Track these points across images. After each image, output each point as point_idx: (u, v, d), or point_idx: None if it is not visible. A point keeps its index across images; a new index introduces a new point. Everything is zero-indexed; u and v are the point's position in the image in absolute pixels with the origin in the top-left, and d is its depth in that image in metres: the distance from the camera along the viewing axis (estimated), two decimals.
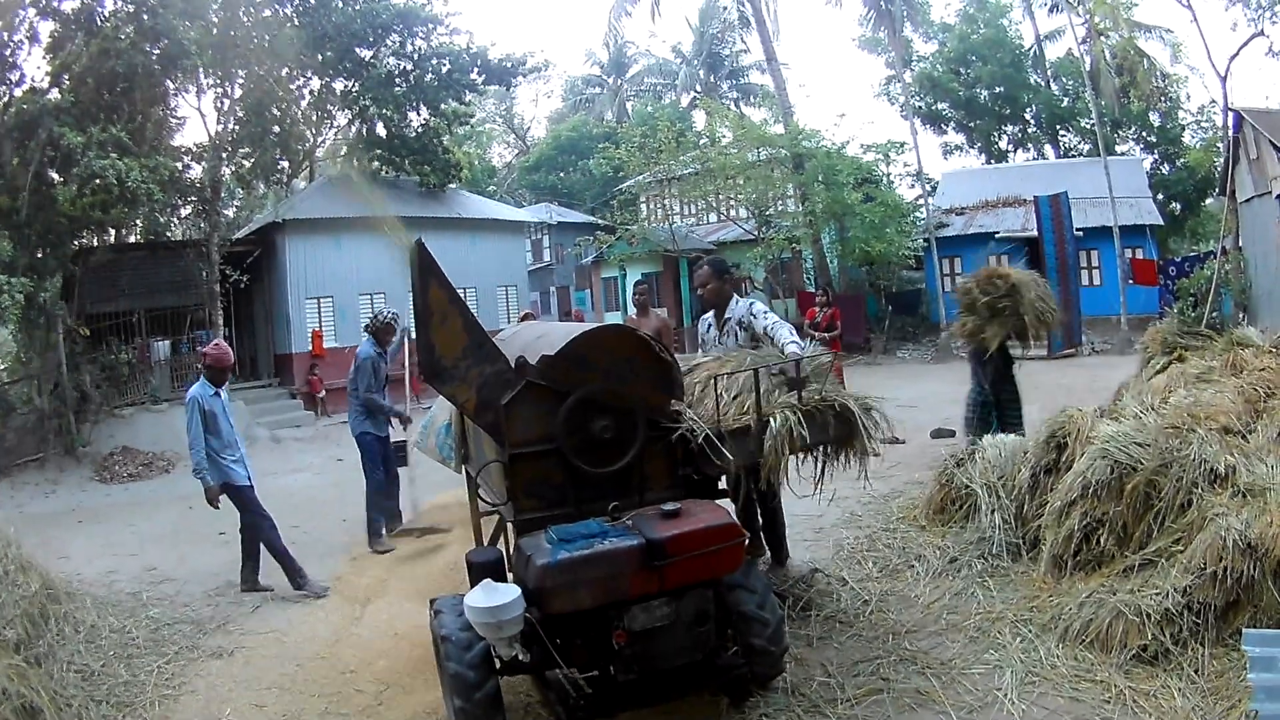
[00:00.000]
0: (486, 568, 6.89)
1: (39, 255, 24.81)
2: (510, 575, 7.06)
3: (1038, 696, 7.35)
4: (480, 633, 6.43)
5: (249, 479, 12.38)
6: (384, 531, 13.89)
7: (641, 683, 6.79)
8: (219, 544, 14.01)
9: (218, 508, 12.12)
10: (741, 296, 10.74)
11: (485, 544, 9.31)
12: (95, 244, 30.56)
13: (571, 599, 6.33)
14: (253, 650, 10.03)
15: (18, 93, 24.54)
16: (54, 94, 24.69)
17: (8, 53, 24.57)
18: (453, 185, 38.75)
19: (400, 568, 12.50)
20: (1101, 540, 8.76)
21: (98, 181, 23.03)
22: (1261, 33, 32.16)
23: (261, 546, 12.39)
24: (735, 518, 7.33)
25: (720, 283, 10.63)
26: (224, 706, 8.52)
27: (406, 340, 14.62)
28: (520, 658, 6.57)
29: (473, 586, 6.59)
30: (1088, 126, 48.26)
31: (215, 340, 14.09)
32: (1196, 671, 7.17)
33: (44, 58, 25.47)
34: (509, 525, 8.29)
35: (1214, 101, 43.54)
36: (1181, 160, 48.69)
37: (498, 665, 6.75)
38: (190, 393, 12.29)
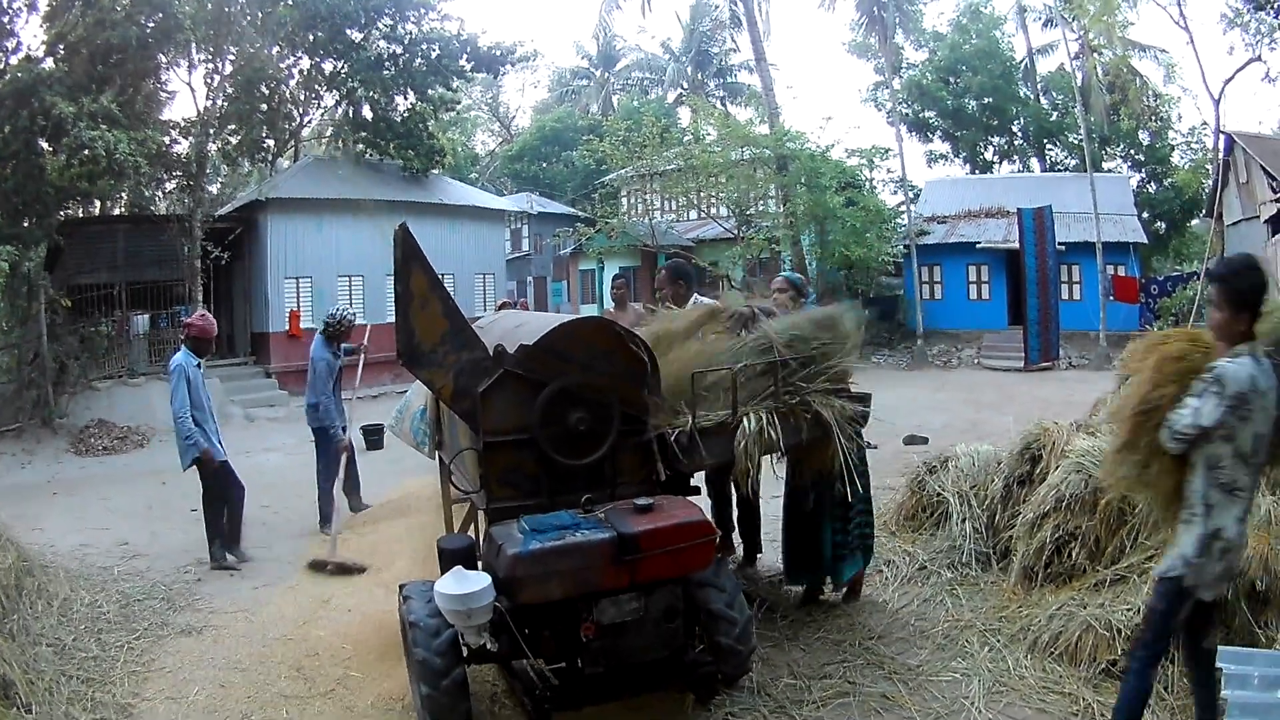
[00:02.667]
0: (458, 555, 6.88)
1: (25, 224, 24.74)
2: (480, 563, 7.04)
3: (1004, 706, 7.36)
4: (449, 620, 6.44)
5: (224, 452, 12.53)
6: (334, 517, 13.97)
7: (608, 676, 6.81)
8: (191, 520, 13.97)
9: (218, 469, 12.29)
10: (713, 295, 10.78)
11: (455, 531, 9.33)
12: (81, 215, 30.53)
13: (541, 590, 6.34)
14: (221, 629, 10.00)
15: (13, 61, 24.48)
16: (48, 63, 24.65)
17: (5, 20, 24.50)
18: (435, 171, 38.74)
19: (371, 550, 12.50)
20: (1073, 553, 8.77)
21: (86, 152, 23.01)
22: (1258, 58, 32.26)
23: (226, 521, 12.61)
24: (708, 515, 7.35)
25: (676, 286, 10.86)
26: (191, 685, 8.49)
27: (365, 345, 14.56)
28: (488, 646, 6.58)
29: (443, 573, 6.59)
30: (1075, 142, 48.38)
31: (200, 311, 14.10)
32: (1165, 689, 7.17)
33: (41, 26, 25.42)
34: (480, 513, 8.29)
35: (1205, 123, 43.83)
36: (1169, 180, 48.82)
37: (465, 653, 6.77)
38: (175, 361, 12.24)
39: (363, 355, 14.35)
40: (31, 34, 44.98)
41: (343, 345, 14.24)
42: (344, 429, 14.04)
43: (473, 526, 9.37)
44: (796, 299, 10.01)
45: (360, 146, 36.54)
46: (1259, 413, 5.70)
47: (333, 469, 13.82)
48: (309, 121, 38.13)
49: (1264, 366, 5.73)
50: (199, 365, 12.30)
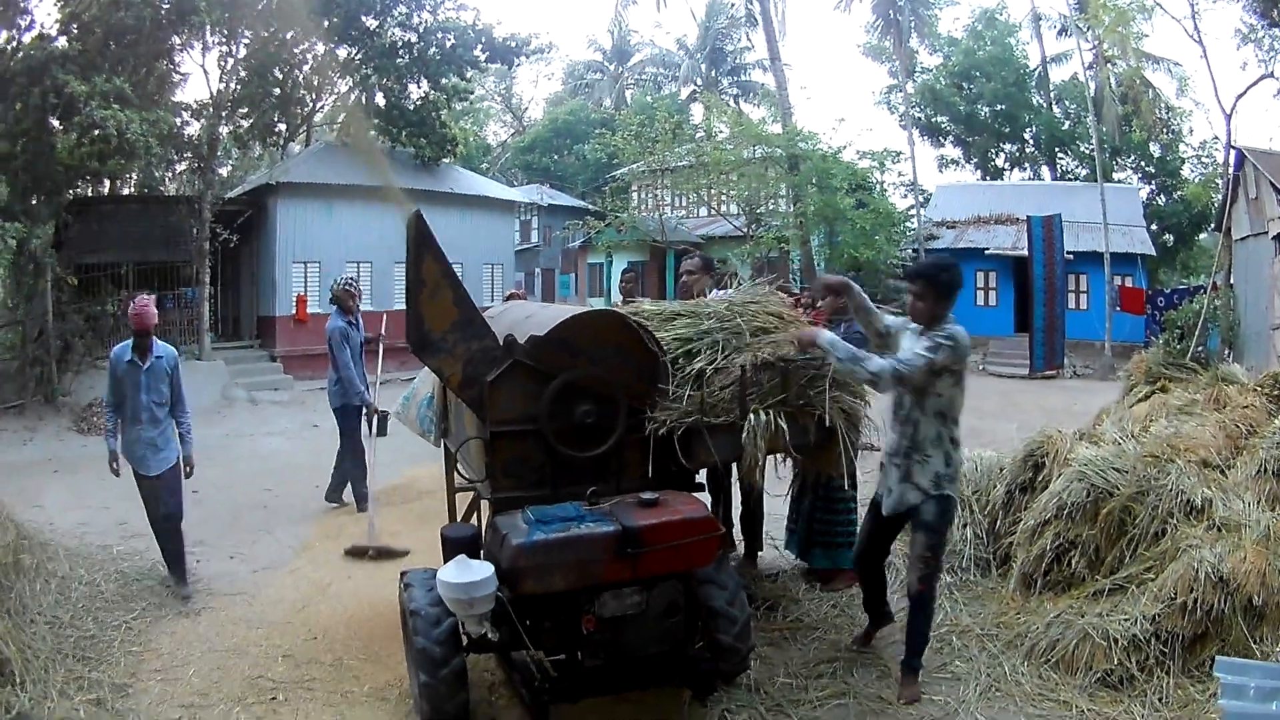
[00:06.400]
0: (461, 543, 6.90)
1: (34, 202, 24.71)
2: (483, 553, 7.05)
3: (999, 711, 7.39)
4: (451, 609, 6.47)
5: (154, 468, 10.60)
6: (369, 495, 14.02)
7: (607, 670, 6.82)
8: (191, 502, 13.94)
9: (117, 475, 10.81)
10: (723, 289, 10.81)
11: (459, 520, 9.34)
12: (90, 194, 30.48)
13: (544, 581, 6.35)
14: (219, 611, 10.04)
15: (26, 39, 24.41)
16: (61, 42, 24.59)
17: None
18: (447, 160, 38.64)
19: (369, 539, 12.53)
20: (1073, 562, 8.78)
21: (97, 132, 22.97)
22: (1271, 74, 32.23)
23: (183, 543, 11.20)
24: (712, 511, 7.37)
25: (705, 276, 10.99)
26: (187, 667, 8.52)
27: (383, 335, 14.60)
28: (489, 636, 6.59)
29: (446, 562, 6.60)
30: (1086, 151, 48.38)
31: (139, 296, 11.88)
32: (1160, 700, 7.19)
33: (55, 4, 25.34)
34: (483, 503, 8.31)
35: (1216, 138, 43.66)
36: (1179, 193, 48.79)
37: (465, 642, 6.78)
38: (113, 351, 10.91)
39: (380, 344, 14.39)
40: (45, 12, 44.90)
41: (362, 332, 14.41)
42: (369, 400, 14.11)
43: (475, 515, 9.39)
44: (838, 300, 10.18)
45: (372, 133, 36.45)
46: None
47: (359, 447, 13.91)
48: (322, 107, 38.07)
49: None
50: (134, 360, 10.56)
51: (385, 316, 15.11)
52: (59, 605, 9.37)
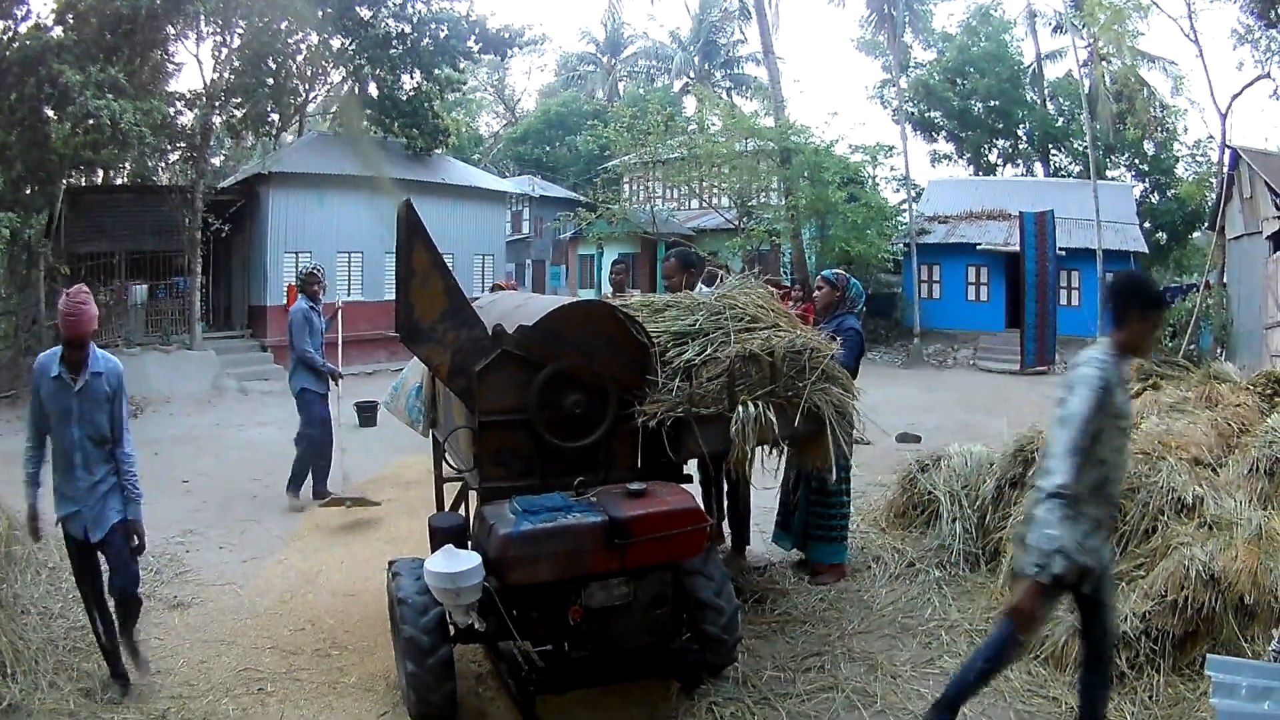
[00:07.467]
0: (449, 533, 6.88)
1: (28, 191, 24.67)
2: (470, 543, 7.03)
3: (987, 707, 7.36)
4: (438, 598, 6.45)
5: (90, 530, 7.74)
6: (326, 483, 14.29)
7: (594, 661, 6.81)
8: (181, 492, 13.96)
9: (37, 540, 8.53)
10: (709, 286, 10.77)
11: (447, 510, 9.32)
12: (83, 183, 30.44)
13: (531, 571, 6.34)
14: (208, 602, 10.02)
15: (22, 29, 24.36)
16: (57, 31, 24.53)
17: None
18: (439, 150, 38.64)
19: (358, 529, 12.51)
20: None
21: (91, 121, 22.97)
22: (1267, 75, 32.25)
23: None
24: (700, 503, 7.36)
25: (684, 274, 10.96)
26: (176, 658, 8.53)
27: (339, 315, 15.32)
28: (476, 626, 6.58)
29: (434, 551, 6.59)
30: (1080, 148, 48.29)
31: (77, 285, 7.98)
32: (1150, 697, 7.18)
33: None
34: (470, 493, 8.30)
35: (1211, 137, 43.62)
36: (1172, 191, 48.74)
37: (452, 633, 6.79)
38: (38, 360, 7.87)
39: (339, 313, 15.40)
40: (41, 2, 44.85)
41: (323, 320, 14.74)
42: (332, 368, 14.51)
43: (463, 505, 9.38)
44: (832, 293, 10.27)
45: (365, 124, 36.49)
46: None
47: (326, 419, 14.30)
48: (315, 97, 38.04)
49: None
50: (60, 375, 7.55)
51: (338, 302, 15.39)
52: (50, 595, 9.35)
